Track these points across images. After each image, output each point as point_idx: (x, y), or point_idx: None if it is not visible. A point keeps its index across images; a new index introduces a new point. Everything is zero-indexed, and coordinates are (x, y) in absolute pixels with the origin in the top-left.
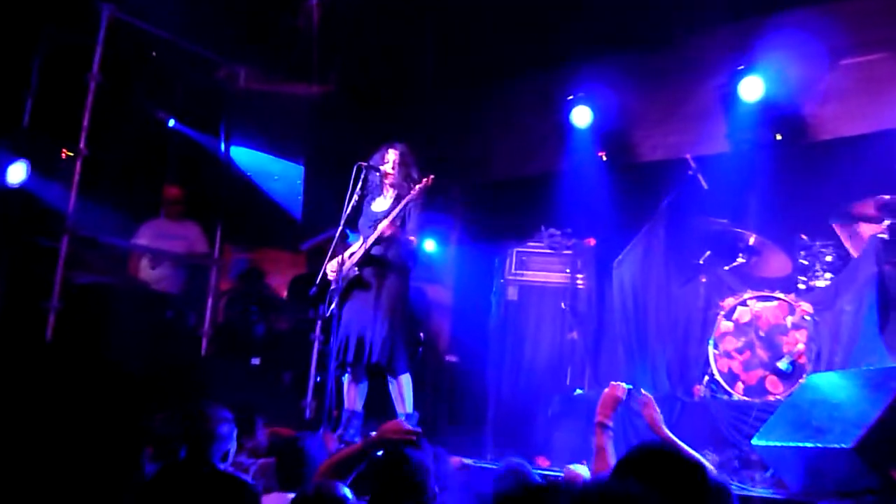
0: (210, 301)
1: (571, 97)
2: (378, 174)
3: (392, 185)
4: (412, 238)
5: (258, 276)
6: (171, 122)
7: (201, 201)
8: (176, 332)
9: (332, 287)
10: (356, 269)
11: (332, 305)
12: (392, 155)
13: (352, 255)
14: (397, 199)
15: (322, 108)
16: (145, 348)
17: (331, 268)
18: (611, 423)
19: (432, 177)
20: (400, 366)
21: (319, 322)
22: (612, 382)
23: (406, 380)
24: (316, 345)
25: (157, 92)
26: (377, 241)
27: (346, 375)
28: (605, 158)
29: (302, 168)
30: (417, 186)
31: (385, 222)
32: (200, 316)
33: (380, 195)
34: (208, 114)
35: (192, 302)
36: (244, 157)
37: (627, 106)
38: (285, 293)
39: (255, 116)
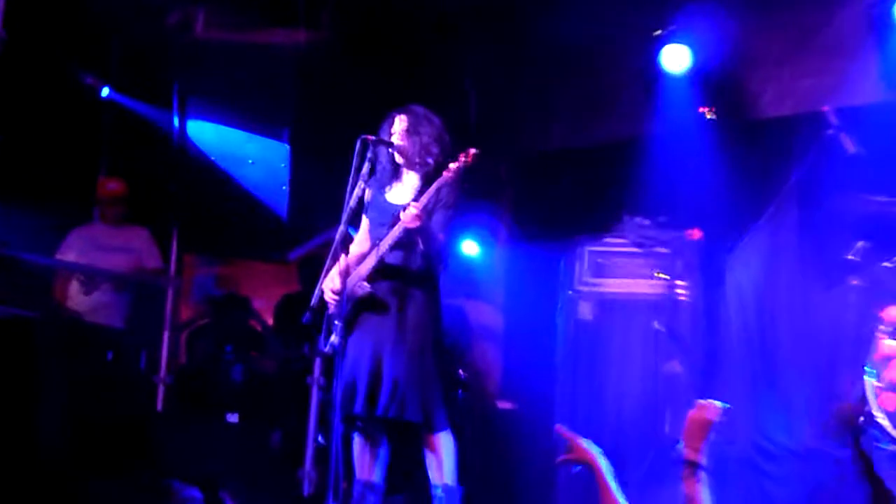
0: (167, 336)
1: (660, 31)
2: (391, 151)
3: (411, 166)
4: (440, 236)
5: (234, 300)
6: (106, 92)
7: (150, 198)
8: (121, 381)
9: (333, 311)
10: (366, 284)
11: (335, 337)
12: (400, 123)
13: (360, 265)
14: (424, 184)
15: (311, 63)
16: (79, 404)
17: (330, 284)
18: (703, 461)
19: (473, 151)
20: (435, 419)
21: (318, 360)
22: (700, 401)
23: (445, 439)
24: (315, 392)
25: (84, 50)
26: (398, 244)
27: (357, 434)
28: (710, 116)
29: (287, 147)
30: (453, 165)
31: (410, 211)
32: (154, 357)
33: (396, 181)
34: (155, 78)
35: (142, 338)
36: (207, 134)
37: (740, 40)
38: (270, 321)
39: (219, 78)
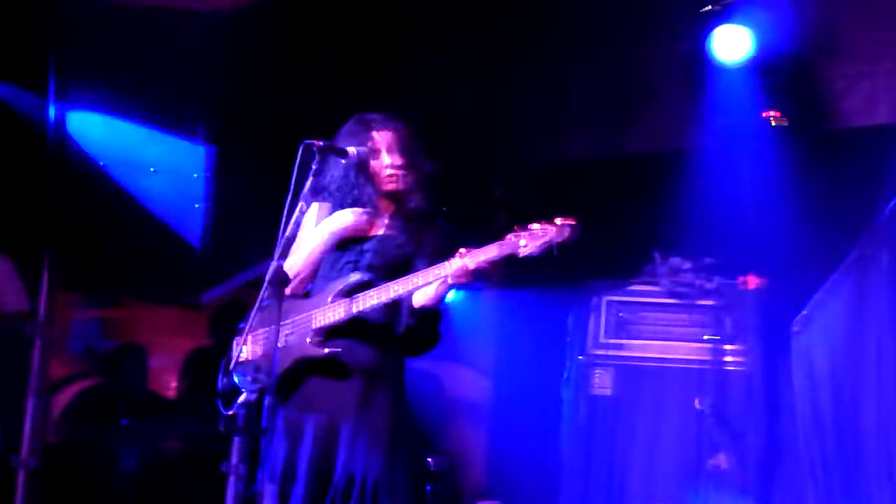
0: (31, 403)
1: (712, 6)
2: (345, 161)
3: (389, 192)
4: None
5: (128, 355)
6: None
7: (13, 215)
8: None
9: (258, 374)
10: (317, 343)
11: (263, 412)
12: (383, 137)
13: (299, 313)
14: (400, 216)
15: (239, 36)
16: None
17: (251, 342)
18: None
19: (572, 223)
20: None
21: (237, 442)
22: None
23: None
24: (232, 484)
25: None
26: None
27: None
28: (776, 122)
29: (203, 151)
30: (554, 226)
31: (464, 263)
32: (13, 432)
33: (349, 203)
34: (24, 51)
35: None
36: (94, 130)
37: (819, 21)
38: (174, 384)
39: (112, 54)
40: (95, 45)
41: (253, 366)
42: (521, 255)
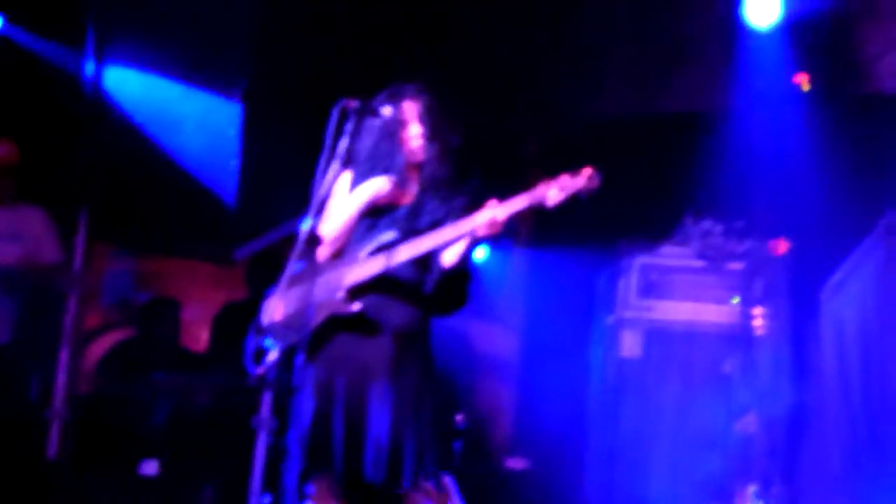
0: (65, 354)
1: None
2: (380, 119)
3: (417, 162)
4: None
5: (161, 307)
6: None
7: (50, 169)
8: (1, 415)
9: (289, 333)
10: (347, 299)
11: (274, 353)
12: (411, 108)
13: (330, 272)
14: (431, 188)
15: None
16: None
17: (283, 300)
18: None
19: (591, 172)
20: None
21: (268, 395)
22: None
23: None
24: (262, 437)
25: None
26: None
27: (315, 492)
28: (807, 87)
29: (239, 108)
30: (563, 183)
31: (492, 214)
32: (48, 383)
33: (380, 171)
34: (63, 7)
35: (32, 356)
36: (130, 86)
37: None
38: (206, 338)
39: (150, 11)
40: (133, 2)
41: (283, 324)
42: (549, 204)
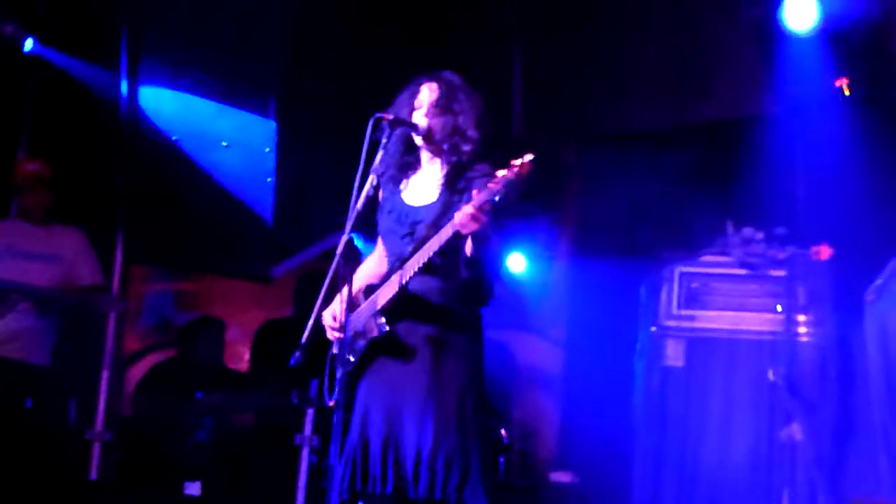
0: (106, 377)
1: None
2: (412, 133)
3: (437, 153)
4: (497, 249)
5: (203, 328)
6: (30, 44)
7: (87, 188)
8: (41, 437)
9: (333, 350)
10: (383, 320)
11: (335, 386)
12: (428, 94)
13: (372, 290)
14: (451, 180)
15: (309, 12)
16: None
17: (329, 313)
18: None
19: (529, 158)
20: (473, 499)
21: (311, 414)
22: None
23: None
24: (305, 456)
25: None
26: (430, 265)
27: None
28: (848, 91)
29: (273, 126)
30: (513, 166)
31: (465, 211)
32: (88, 406)
33: (412, 173)
34: (97, 26)
35: (72, 379)
36: (166, 105)
37: None
38: (247, 357)
39: (183, 29)
40: (167, 21)
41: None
42: (497, 197)
